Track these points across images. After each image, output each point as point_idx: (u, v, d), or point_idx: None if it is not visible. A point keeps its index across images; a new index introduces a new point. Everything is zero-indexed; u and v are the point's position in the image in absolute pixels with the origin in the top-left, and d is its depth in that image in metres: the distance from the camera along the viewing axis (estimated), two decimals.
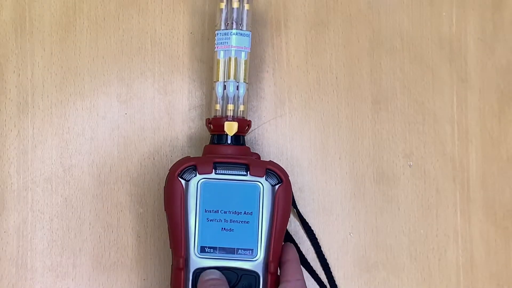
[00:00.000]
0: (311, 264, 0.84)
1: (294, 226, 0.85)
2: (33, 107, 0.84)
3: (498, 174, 0.88)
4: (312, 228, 0.85)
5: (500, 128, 0.88)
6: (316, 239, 0.85)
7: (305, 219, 0.85)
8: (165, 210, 0.76)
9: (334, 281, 0.85)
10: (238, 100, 0.79)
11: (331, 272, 0.85)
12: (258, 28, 0.85)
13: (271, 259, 0.75)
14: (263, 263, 0.75)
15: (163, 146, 0.84)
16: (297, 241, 0.84)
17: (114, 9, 0.85)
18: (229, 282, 0.73)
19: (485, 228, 0.87)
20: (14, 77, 0.84)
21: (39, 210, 0.83)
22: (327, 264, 0.85)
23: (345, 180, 0.86)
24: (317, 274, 0.84)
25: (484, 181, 0.88)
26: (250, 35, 0.79)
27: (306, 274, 0.84)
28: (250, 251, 0.75)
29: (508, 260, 0.87)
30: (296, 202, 0.84)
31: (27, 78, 0.84)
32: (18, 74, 0.84)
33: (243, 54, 0.79)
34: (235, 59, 0.79)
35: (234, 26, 0.78)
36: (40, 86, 0.84)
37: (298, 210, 0.84)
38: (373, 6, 0.88)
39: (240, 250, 0.75)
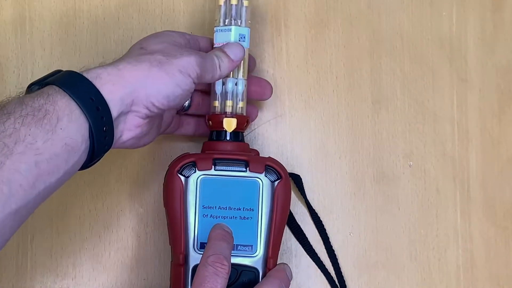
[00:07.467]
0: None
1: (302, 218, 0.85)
2: None
3: (498, 174, 0.88)
4: (320, 218, 0.85)
5: (500, 128, 0.88)
6: (325, 229, 0.85)
7: (313, 209, 0.85)
8: (164, 207, 0.76)
9: (341, 272, 0.84)
10: (237, 96, 0.78)
11: (338, 263, 0.85)
12: (258, 28, 0.86)
13: (270, 255, 0.75)
14: (263, 259, 0.75)
15: (163, 145, 0.84)
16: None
17: (114, 9, 0.85)
18: (228, 279, 0.73)
19: (485, 228, 0.87)
20: (14, 77, 0.84)
21: (39, 209, 0.83)
22: (334, 254, 0.85)
23: (345, 180, 0.86)
24: (324, 265, 0.84)
25: (484, 181, 0.87)
26: (249, 31, 0.79)
27: (314, 266, 0.85)
28: (250, 247, 0.75)
29: (508, 260, 0.87)
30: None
31: (27, 78, 0.84)
32: (18, 74, 0.84)
33: None
34: None
35: (233, 23, 0.78)
36: None
37: (308, 200, 0.85)
38: (373, 6, 0.88)
39: (239, 246, 0.75)
